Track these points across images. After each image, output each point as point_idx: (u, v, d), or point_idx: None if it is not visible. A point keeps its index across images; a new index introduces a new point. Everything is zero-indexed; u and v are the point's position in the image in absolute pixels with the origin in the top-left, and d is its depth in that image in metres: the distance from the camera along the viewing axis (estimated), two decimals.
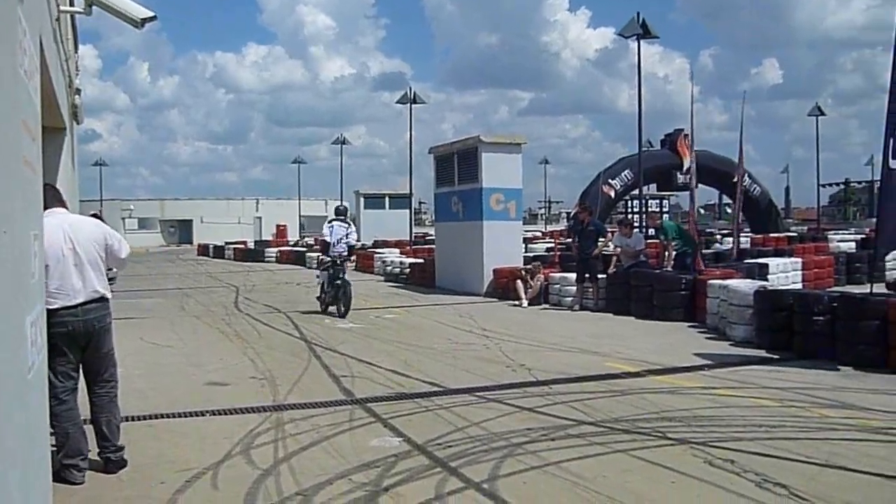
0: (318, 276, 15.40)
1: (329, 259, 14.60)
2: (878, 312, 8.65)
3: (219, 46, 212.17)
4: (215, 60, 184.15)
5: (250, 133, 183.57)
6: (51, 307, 4.57)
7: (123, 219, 62.61)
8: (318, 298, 14.87)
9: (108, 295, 5.20)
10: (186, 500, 4.71)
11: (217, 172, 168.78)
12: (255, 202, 71.87)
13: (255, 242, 49.14)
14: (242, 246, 42.83)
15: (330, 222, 15.02)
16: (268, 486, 4.89)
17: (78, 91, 11.47)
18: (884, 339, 8.50)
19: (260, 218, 67.55)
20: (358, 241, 15.79)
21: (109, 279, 5.39)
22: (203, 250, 45.18)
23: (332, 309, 14.42)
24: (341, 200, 59.44)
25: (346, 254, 14.73)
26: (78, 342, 5.01)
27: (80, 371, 5.16)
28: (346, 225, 14.87)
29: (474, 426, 6.26)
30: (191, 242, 60.60)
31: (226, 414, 6.90)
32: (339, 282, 14.18)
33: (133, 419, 6.65)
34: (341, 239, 14.62)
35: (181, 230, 68.79)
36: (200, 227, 65.57)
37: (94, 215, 6.02)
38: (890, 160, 8.88)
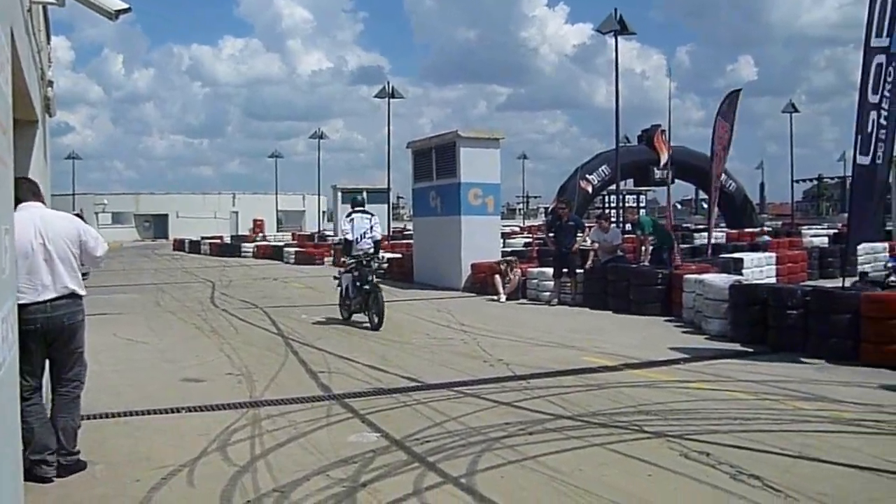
0: (336, 279, 13.27)
1: (352, 259, 12.49)
2: (850, 306, 8.75)
3: (195, 39, 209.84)
4: (191, 53, 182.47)
5: (227, 127, 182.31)
6: (18, 302, 4.49)
7: (97, 213, 61.91)
8: (340, 305, 12.88)
9: (82, 292, 5.11)
10: (162, 498, 4.68)
11: (193, 166, 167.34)
12: (231, 197, 71.43)
13: (232, 237, 48.88)
14: (219, 241, 42.55)
15: (349, 216, 12.91)
16: (244, 483, 4.86)
17: (50, 83, 11.28)
18: (855, 332, 8.59)
19: (237, 212, 67.17)
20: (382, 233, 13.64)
21: (83, 274, 5.30)
22: (179, 245, 44.84)
23: (357, 318, 12.45)
24: (318, 195, 59.40)
25: (372, 251, 12.56)
26: (45, 339, 4.92)
27: (46, 367, 5.08)
28: (369, 216, 12.77)
29: (452, 421, 6.27)
30: (166, 237, 60.17)
31: (202, 410, 6.85)
32: (367, 287, 12.05)
33: (107, 416, 6.60)
34: (365, 233, 12.59)
35: (156, 225, 68.23)
36: (176, 221, 65.05)
37: (77, 215, 5.92)
38: (859, 156, 9.02)
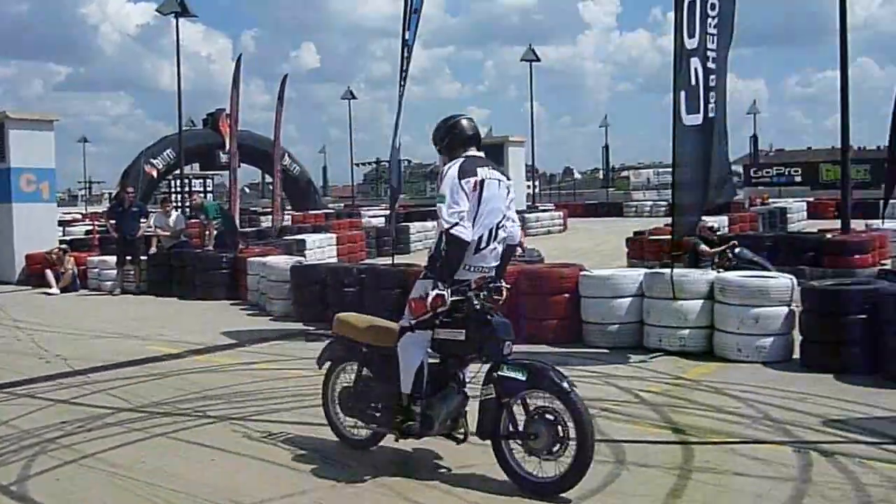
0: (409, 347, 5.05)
1: (453, 290, 4.46)
2: (399, 282, 9.73)
3: None
4: None
5: None
6: None
7: None
8: (399, 415, 4.70)
9: None
10: None
11: None
12: None
13: None
14: None
15: (466, 174, 4.48)
16: None
17: None
18: (404, 306, 9.60)
19: None
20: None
21: None
22: None
23: (415, 444, 4.93)
24: None
25: (500, 267, 4.75)
26: None
27: None
28: (507, 182, 4.76)
29: (2, 425, 5.84)
30: None
31: None
32: (501, 373, 4.32)
33: None
34: (500, 224, 4.66)
35: None
36: None
37: None
38: (686, 117, 7.61)
